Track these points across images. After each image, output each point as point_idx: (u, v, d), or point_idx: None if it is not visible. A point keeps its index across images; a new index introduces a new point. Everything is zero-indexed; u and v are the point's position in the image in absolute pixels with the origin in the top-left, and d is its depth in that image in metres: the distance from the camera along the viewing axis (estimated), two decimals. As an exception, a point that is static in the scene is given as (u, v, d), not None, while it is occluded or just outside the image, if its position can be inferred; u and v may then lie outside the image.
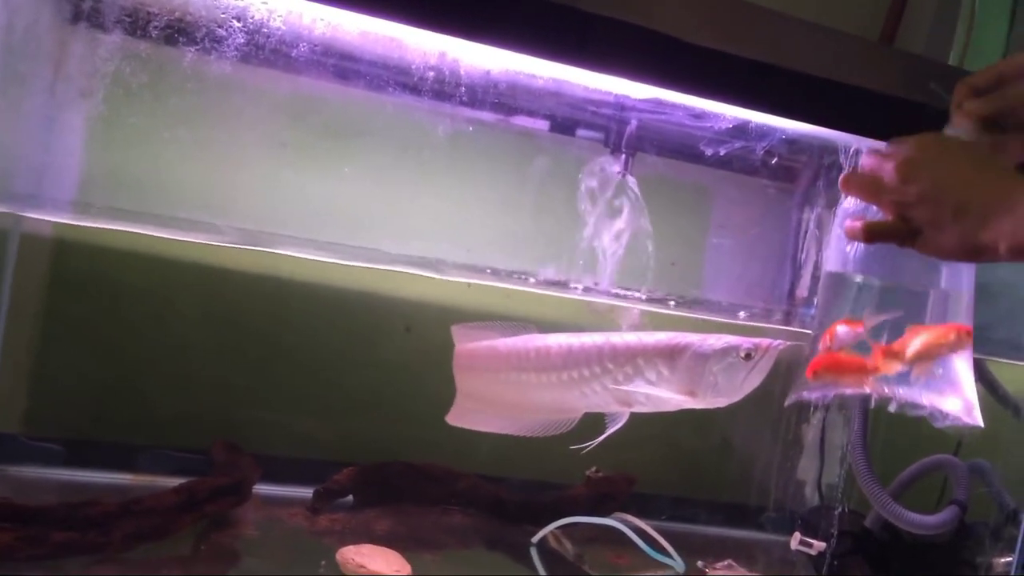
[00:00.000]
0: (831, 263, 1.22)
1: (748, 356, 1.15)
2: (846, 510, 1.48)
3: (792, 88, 1.18)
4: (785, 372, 1.56)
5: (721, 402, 1.17)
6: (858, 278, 1.17)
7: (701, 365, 1.15)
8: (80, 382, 1.38)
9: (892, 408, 1.14)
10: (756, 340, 1.16)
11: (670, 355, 1.17)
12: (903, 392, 1.11)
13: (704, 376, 1.15)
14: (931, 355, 1.10)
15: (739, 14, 1.14)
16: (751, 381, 1.15)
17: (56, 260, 1.36)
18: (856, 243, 1.13)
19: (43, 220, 1.33)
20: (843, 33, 1.16)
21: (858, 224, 1.02)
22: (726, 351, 1.15)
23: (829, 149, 1.44)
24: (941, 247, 0.96)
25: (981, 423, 1.13)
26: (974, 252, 0.93)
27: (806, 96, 1.18)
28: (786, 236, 1.61)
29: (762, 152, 1.38)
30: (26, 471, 1.31)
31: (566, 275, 1.43)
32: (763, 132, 1.35)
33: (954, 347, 1.10)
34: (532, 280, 1.43)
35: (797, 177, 1.56)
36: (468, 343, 1.29)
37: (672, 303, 1.50)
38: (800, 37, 1.17)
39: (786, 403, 1.19)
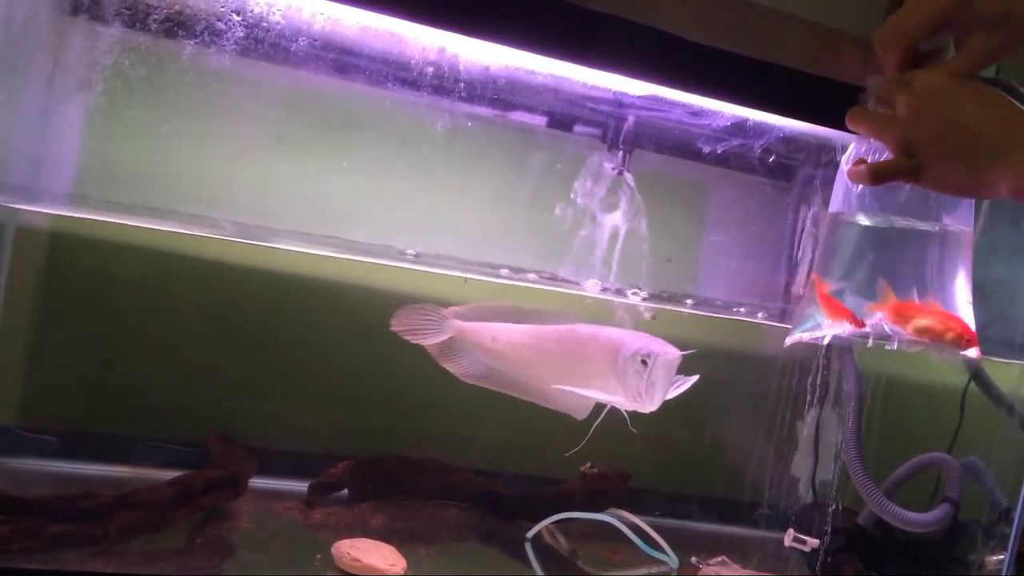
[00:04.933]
0: (835, 204, 1.20)
1: (644, 363, 1.11)
2: (840, 507, 1.49)
3: (790, 86, 1.18)
4: (781, 368, 1.58)
5: (639, 407, 1.14)
6: (862, 220, 1.16)
7: (626, 366, 1.13)
8: (76, 374, 1.38)
9: (891, 346, 1.15)
10: (658, 348, 1.12)
11: (613, 353, 1.15)
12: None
13: (628, 377, 1.12)
14: (928, 338, 1.10)
15: (738, 12, 1.15)
16: (652, 389, 1.11)
17: (52, 252, 1.36)
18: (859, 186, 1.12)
19: (39, 212, 1.33)
20: (841, 31, 1.16)
21: (863, 167, 1.01)
22: (634, 355, 1.12)
23: (826, 147, 1.45)
24: (947, 182, 0.97)
25: (979, 354, 1.13)
26: (978, 188, 0.95)
27: (803, 94, 1.18)
28: (782, 234, 1.61)
29: (760, 150, 1.39)
30: (21, 463, 1.31)
31: (563, 271, 1.43)
32: (761, 130, 1.35)
33: (953, 344, 1.11)
34: (529, 275, 1.43)
35: (794, 175, 1.56)
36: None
37: (663, 296, 1.51)
38: (798, 35, 1.17)
39: (786, 343, 1.20)
